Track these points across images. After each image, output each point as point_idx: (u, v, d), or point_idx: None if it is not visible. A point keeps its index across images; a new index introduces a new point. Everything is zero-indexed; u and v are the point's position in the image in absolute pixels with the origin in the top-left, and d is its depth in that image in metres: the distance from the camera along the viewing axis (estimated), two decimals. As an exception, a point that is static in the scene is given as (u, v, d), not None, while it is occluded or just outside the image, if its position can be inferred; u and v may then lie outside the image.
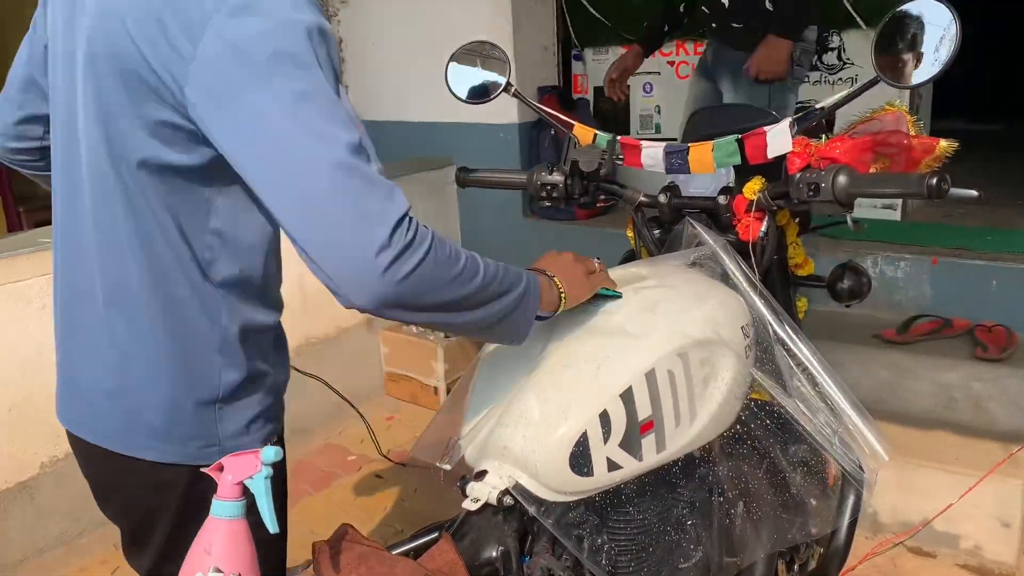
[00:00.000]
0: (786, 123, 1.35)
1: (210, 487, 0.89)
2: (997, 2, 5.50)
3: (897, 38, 1.22)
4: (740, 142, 1.41)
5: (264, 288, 1.11)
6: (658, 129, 3.81)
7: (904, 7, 1.21)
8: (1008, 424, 2.49)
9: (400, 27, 3.84)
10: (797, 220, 1.57)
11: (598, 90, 3.92)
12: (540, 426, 1.14)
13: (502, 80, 1.62)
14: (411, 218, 0.94)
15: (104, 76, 0.99)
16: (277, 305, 1.16)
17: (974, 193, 1.24)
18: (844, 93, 1.33)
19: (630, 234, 1.65)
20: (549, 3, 3.76)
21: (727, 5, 2.80)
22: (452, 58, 1.64)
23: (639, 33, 3.17)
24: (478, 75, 1.64)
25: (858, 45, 3.32)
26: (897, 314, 2.89)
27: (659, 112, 3.82)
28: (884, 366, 2.67)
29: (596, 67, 3.92)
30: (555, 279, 1.17)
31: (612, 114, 3.85)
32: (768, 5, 2.74)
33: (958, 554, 2.33)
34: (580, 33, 3.91)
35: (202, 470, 0.89)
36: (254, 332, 1.11)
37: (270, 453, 0.81)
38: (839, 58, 3.37)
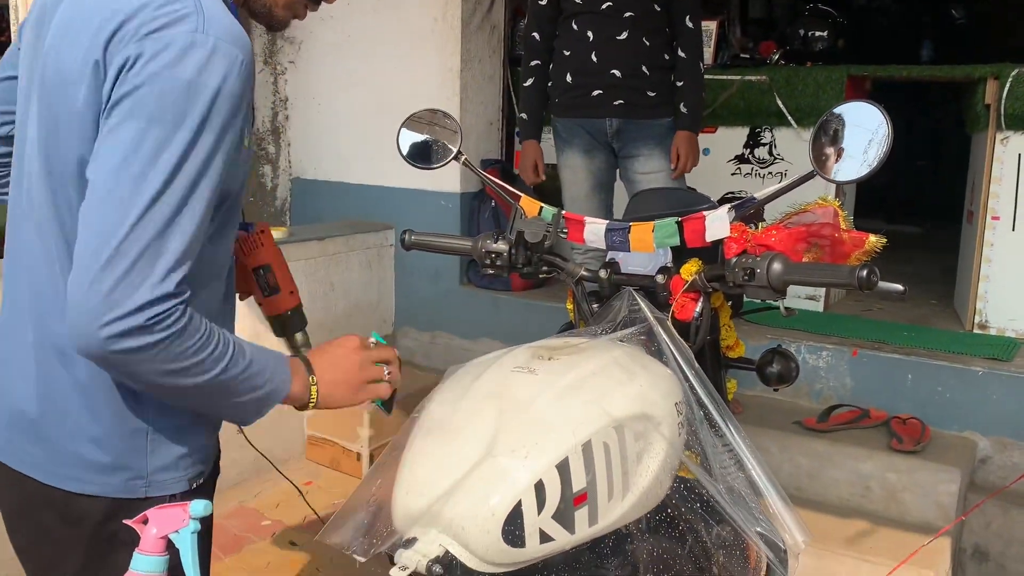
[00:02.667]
0: (724, 209, 1.40)
1: (122, 527, 0.86)
2: (915, 102, 5.85)
3: (832, 136, 1.28)
4: (679, 224, 1.45)
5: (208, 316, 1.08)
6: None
7: (840, 107, 1.28)
8: (920, 515, 2.56)
9: (347, 90, 3.89)
10: (730, 303, 1.62)
11: (538, 166, 4.00)
12: (475, 494, 1.12)
13: (453, 148, 1.65)
14: (169, 306, 0.94)
15: (49, 104, 1.02)
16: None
17: (900, 287, 1.30)
18: (780, 185, 1.39)
19: (569, 307, 1.67)
20: (496, 79, 3.85)
21: (647, 74, 2.88)
22: (405, 123, 1.67)
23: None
24: (429, 141, 1.67)
25: (788, 141, 3.49)
26: (818, 402, 2.98)
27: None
28: (804, 453, 2.73)
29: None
30: (313, 382, 1.17)
31: (553, 191, 3.92)
32: (683, 108, 2.86)
33: (871, 643, 2.36)
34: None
35: (125, 522, 0.86)
36: None
37: (199, 507, 0.79)
38: (770, 153, 3.52)
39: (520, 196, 1.63)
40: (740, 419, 1.58)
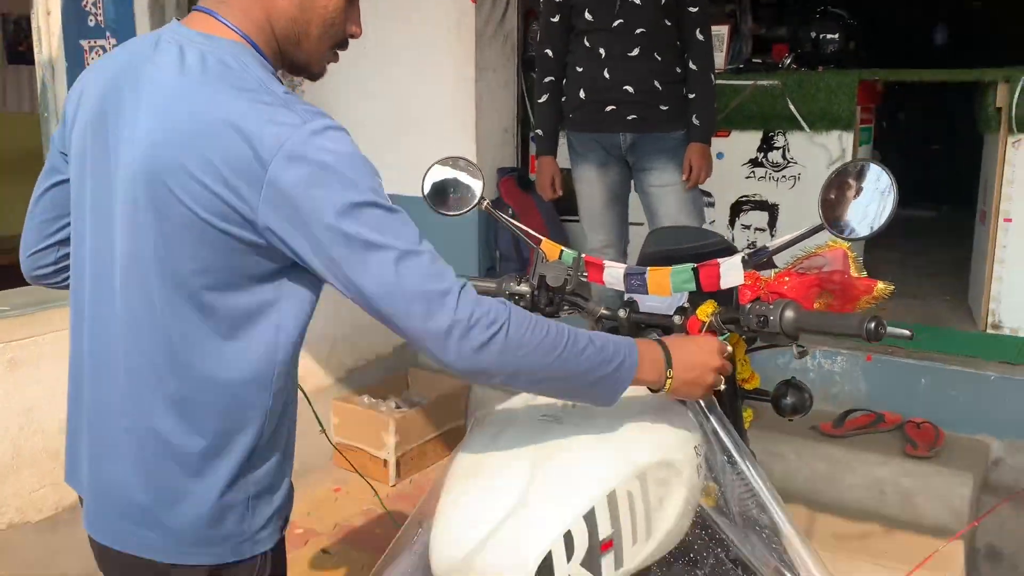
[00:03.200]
0: (738, 258, 1.46)
1: None
2: (931, 92, 5.83)
3: (841, 192, 1.34)
4: (695, 271, 1.51)
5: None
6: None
7: (848, 165, 1.34)
8: (933, 520, 2.62)
9: (363, 101, 3.95)
10: (744, 338, 1.68)
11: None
12: (508, 544, 1.20)
13: (476, 195, 1.71)
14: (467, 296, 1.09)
15: (153, 201, 1.10)
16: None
17: (907, 333, 1.36)
18: (791, 236, 1.44)
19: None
20: (511, 87, 3.91)
21: (660, 88, 2.92)
22: (429, 170, 1.73)
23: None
24: (452, 188, 1.73)
25: (802, 145, 3.53)
26: (834, 406, 3.04)
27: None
28: (821, 458, 2.80)
29: (553, 150, 4.06)
30: (669, 375, 1.29)
31: (568, 196, 3.98)
32: (695, 120, 2.91)
33: (887, 646, 2.43)
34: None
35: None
36: (287, 416, 1.23)
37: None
38: (783, 157, 3.56)
39: (541, 240, 1.69)
40: (758, 423, 1.66)
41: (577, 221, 3.90)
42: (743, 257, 1.47)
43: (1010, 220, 3.15)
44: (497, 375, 1.13)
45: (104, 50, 3.55)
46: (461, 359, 1.09)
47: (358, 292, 1.09)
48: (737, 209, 3.70)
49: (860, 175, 1.32)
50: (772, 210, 3.61)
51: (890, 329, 1.34)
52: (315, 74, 1.28)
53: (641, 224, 3.19)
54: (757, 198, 3.64)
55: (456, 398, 3.69)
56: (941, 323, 3.47)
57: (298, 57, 1.22)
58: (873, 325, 1.29)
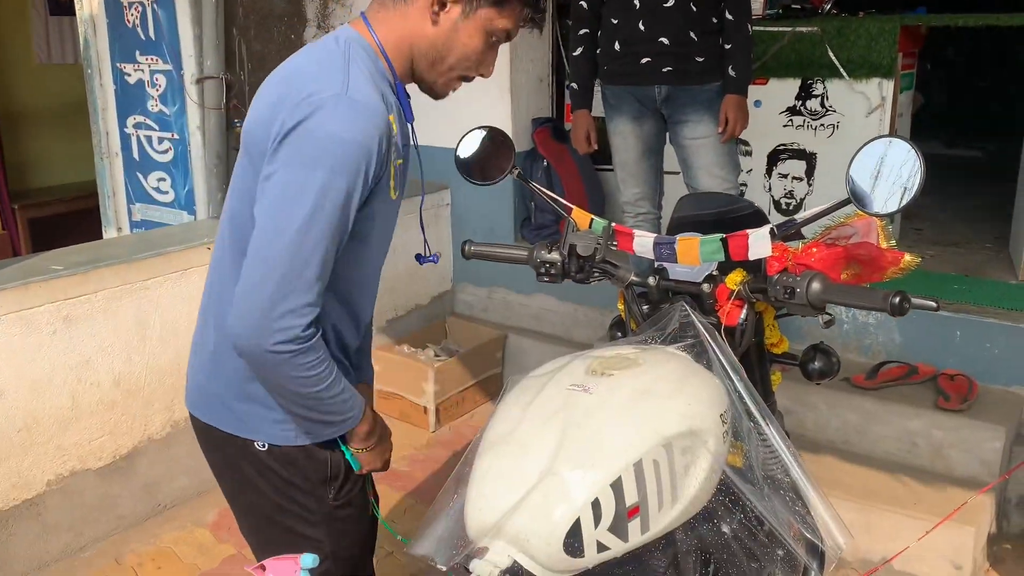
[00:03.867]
0: (766, 229, 1.48)
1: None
2: (977, 32, 5.65)
3: (868, 168, 1.35)
4: (724, 241, 1.54)
5: (351, 308, 1.44)
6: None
7: (875, 141, 1.34)
8: (964, 472, 2.65)
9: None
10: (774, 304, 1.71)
11: (590, 120, 4.04)
12: (538, 510, 1.26)
13: (507, 164, 1.74)
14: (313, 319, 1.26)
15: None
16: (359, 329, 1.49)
17: (933, 305, 1.38)
18: (819, 209, 1.46)
19: (620, 306, 1.78)
20: (545, 36, 3.88)
21: (695, 39, 2.89)
22: (462, 140, 1.76)
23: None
24: (484, 156, 1.76)
25: (840, 93, 3.47)
26: (867, 357, 3.05)
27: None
28: (853, 410, 2.83)
29: (589, 98, 4.03)
30: (372, 440, 1.48)
31: (603, 144, 3.97)
32: (731, 72, 2.88)
33: (914, 594, 2.50)
34: (574, 64, 4.02)
35: (245, 568, 1.03)
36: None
37: (308, 560, 0.94)
38: (822, 105, 3.51)
39: (571, 208, 1.72)
40: (789, 374, 1.70)
41: (610, 170, 3.90)
42: (771, 229, 1.49)
43: (1055, 167, 3.10)
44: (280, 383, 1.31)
45: (143, 6, 3.58)
46: (276, 352, 1.25)
47: None
48: (775, 158, 3.66)
49: (888, 150, 1.33)
50: (810, 159, 3.58)
51: (915, 301, 1.37)
52: (438, 95, 1.47)
53: (676, 173, 3.18)
54: (795, 147, 3.60)
55: (493, 347, 3.77)
56: (980, 273, 3.44)
57: (428, 76, 1.40)
58: (898, 300, 1.32)
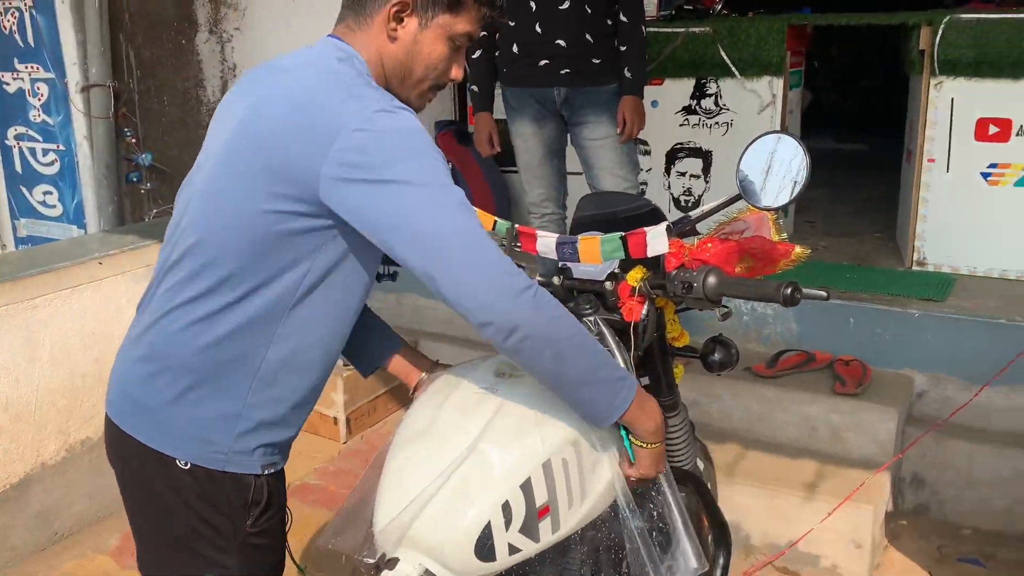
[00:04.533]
0: (663, 227, 1.51)
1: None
2: (860, 32, 5.91)
3: (757, 163, 1.39)
4: (624, 239, 1.56)
5: (327, 339, 1.37)
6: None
7: (762, 138, 1.38)
8: (861, 453, 2.76)
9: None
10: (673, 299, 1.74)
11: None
12: (448, 515, 1.26)
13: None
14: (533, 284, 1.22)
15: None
16: (326, 361, 1.40)
17: (823, 294, 1.43)
18: (711, 205, 1.49)
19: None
20: (445, 39, 3.86)
21: (591, 41, 2.93)
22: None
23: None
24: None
25: (733, 92, 3.57)
26: (766, 346, 3.15)
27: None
28: (755, 399, 2.92)
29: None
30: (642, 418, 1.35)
31: (507, 147, 3.99)
32: (627, 73, 2.93)
33: (819, 573, 2.58)
34: (475, 67, 4.03)
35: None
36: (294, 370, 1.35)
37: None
38: (716, 103, 3.61)
39: (474, 211, 1.72)
40: (694, 366, 1.73)
41: (515, 172, 3.93)
42: (667, 225, 1.52)
43: (933, 160, 3.26)
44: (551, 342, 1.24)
45: (20, 12, 3.43)
46: (535, 324, 1.21)
47: None
48: (672, 157, 3.75)
49: (776, 146, 1.37)
50: (706, 157, 3.67)
51: (806, 291, 1.41)
52: (416, 107, 1.41)
53: (579, 174, 3.22)
54: (691, 145, 3.69)
55: (410, 350, 3.72)
56: (871, 262, 3.59)
57: (401, 93, 1.37)
58: (789, 291, 1.36)
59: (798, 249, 1.51)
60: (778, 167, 1.38)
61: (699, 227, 1.57)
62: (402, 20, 1.33)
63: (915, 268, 3.39)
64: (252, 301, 1.28)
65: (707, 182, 3.69)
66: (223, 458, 1.33)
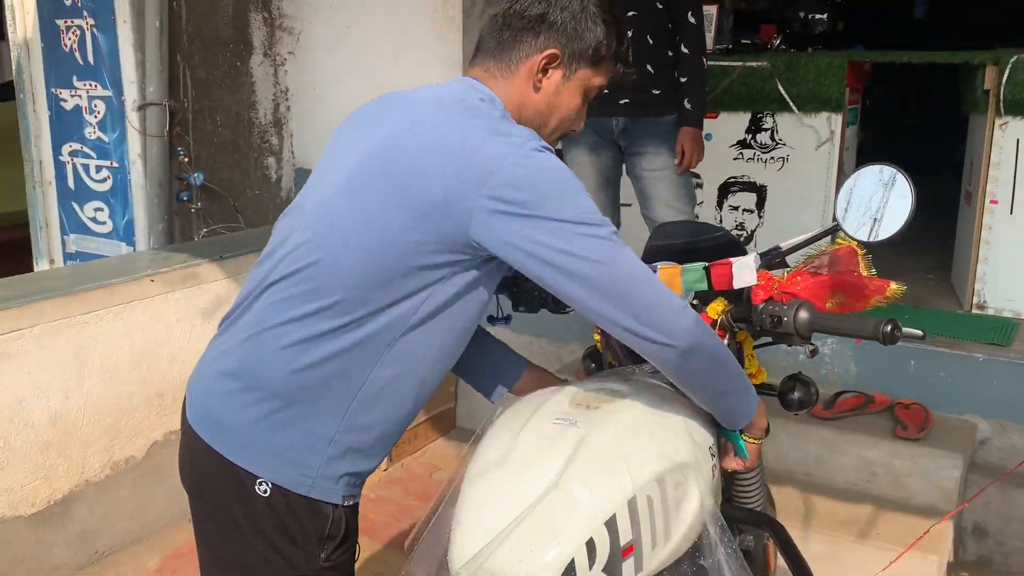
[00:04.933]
0: (751, 258, 1.46)
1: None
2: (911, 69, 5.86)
3: (857, 195, 1.34)
4: (707, 270, 1.51)
5: (428, 370, 1.35)
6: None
7: (864, 170, 1.34)
8: (923, 500, 2.67)
9: (347, 81, 3.89)
10: (751, 333, 1.68)
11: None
12: (530, 551, 1.20)
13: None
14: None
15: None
16: (420, 394, 1.38)
17: (920, 333, 1.38)
18: (804, 237, 1.45)
19: (597, 336, 1.73)
20: (497, 67, 3.86)
21: (652, 72, 2.91)
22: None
23: None
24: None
25: (790, 126, 3.53)
26: (824, 387, 3.07)
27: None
28: (813, 440, 2.84)
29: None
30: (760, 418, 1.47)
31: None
32: (687, 104, 2.90)
33: (880, 624, 2.48)
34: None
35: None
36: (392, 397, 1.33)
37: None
38: (772, 138, 3.57)
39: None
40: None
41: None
42: (756, 256, 1.47)
43: (996, 202, 3.19)
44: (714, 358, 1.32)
45: (81, 30, 3.46)
46: (700, 341, 1.27)
47: None
48: (725, 190, 3.70)
49: (878, 179, 1.33)
50: (760, 191, 3.62)
51: (906, 330, 1.36)
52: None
53: (630, 205, 3.18)
54: (745, 179, 3.65)
55: (446, 381, 3.67)
56: (925, 303, 3.51)
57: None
58: (889, 328, 1.30)
59: (893, 285, 1.45)
60: (879, 199, 1.33)
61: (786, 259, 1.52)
62: (547, 72, 1.36)
63: (975, 311, 3.31)
64: (365, 325, 1.26)
65: (760, 217, 3.64)
66: (309, 482, 1.30)
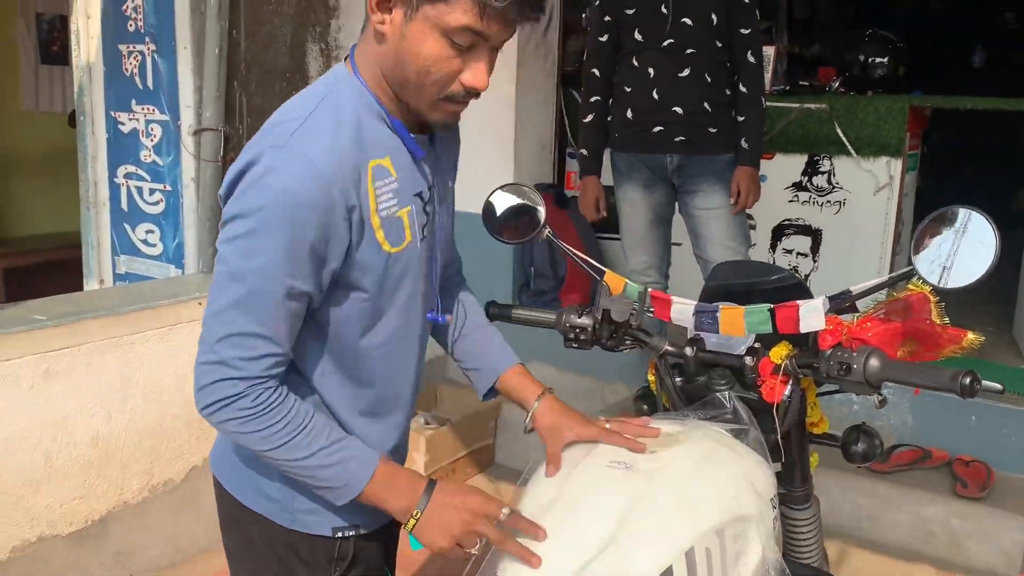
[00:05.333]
0: (819, 301, 1.40)
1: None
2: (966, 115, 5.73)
3: (936, 238, 1.28)
4: (772, 312, 1.45)
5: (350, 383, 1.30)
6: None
7: (944, 212, 1.27)
8: (983, 563, 2.55)
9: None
10: (815, 380, 1.61)
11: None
12: (582, 604, 1.14)
13: (539, 222, 1.66)
14: (225, 378, 1.14)
15: None
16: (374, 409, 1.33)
17: (999, 388, 1.30)
18: (877, 281, 1.39)
19: (651, 377, 1.68)
20: (550, 103, 3.86)
21: (709, 110, 2.86)
22: (491, 195, 1.68)
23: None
24: (515, 214, 1.68)
25: (848, 170, 3.46)
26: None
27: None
28: (865, 494, 2.73)
29: (591, 166, 4.00)
30: (416, 515, 1.23)
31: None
32: (744, 144, 2.85)
33: None
34: (577, 132, 3.99)
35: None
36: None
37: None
38: (828, 182, 3.49)
39: (604, 272, 1.63)
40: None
41: (613, 239, 3.84)
42: (825, 299, 1.41)
43: (1063, 252, 3.08)
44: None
45: (143, 55, 3.52)
46: (200, 412, 1.18)
47: None
48: (779, 233, 3.63)
49: (958, 222, 1.26)
50: (815, 235, 3.55)
51: (984, 383, 1.28)
52: (435, 122, 1.24)
53: (680, 244, 3.13)
54: (800, 223, 3.57)
55: (485, 416, 3.63)
56: (986, 356, 3.39)
57: (411, 103, 1.20)
58: (968, 381, 1.23)
59: (971, 335, 1.38)
60: (959, 243, 1.27)
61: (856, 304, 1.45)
62: (390, 11, 1.13)
63: (1038, 365, 3.19)
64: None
65: (815, 261, 3.56)
66: (289, 517, 1.30)
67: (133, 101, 3.60)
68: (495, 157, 3.63)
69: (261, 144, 1.15)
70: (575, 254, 1.69)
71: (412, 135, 1.25)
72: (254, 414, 1.15)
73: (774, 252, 3.64)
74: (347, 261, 1.19)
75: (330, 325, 1.25)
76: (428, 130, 1.28)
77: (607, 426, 1.36)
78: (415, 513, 1.23)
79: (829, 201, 3.49)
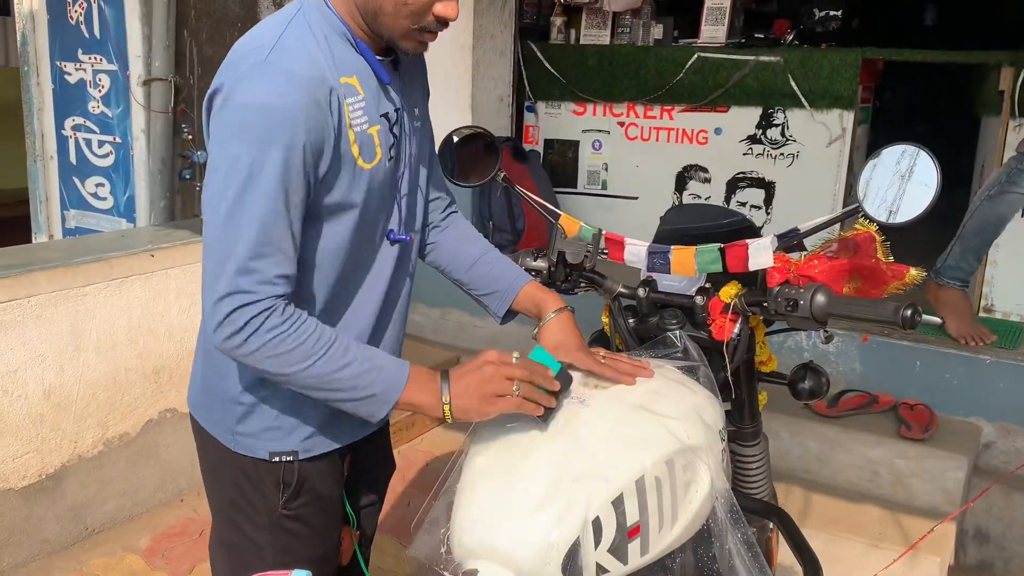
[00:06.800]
0: (768, 240, 1.43)
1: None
2: (918, 70, 5.81)
3: (880, 176, 1.31)
4: (722, 251, 1.48)
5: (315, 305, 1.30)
6: (604, 186, 3.90)
7: (887, 149, 1.30)
8: (927, 500, 2.64)
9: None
10: (763, 320, 1.65)
11: (548, 142, 4.01)
12: (533, 529, 1.17)
13: (493, 167, 1.66)
14: (245, 304, 1.14)
15: None
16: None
17: (939, 321, 1.35)
18: (825, 218, 1.42)
19: (605, 319, 1.70)
20: (507, 55, 3.83)
21: None
22: (444, 139, 1.67)
23: (592, 90, 3.05)
24: (469, 158, 1.68)
25: (802, 123, 3.49)
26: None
27: (606, 169, 3.91)
28: (814, 438, 2.80)
29: (548, 120, 3.99)
30: (446, 400, 1.25)
31: (561, 167, 3.93)
32: None
33: (879, 625, 2.45)
34: (534, 86, 3.98)
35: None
36: None
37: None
38: (782, 134, 3.53)
39: (560, 215, 1.65)
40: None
41: (571, 193, 3.86)
42: (772, 238, 1.44)
43: (1007, 204, 3.15)
44: (259, 371, 1.20)
45: (88, 3, 3.42)
46: (223, 348, 1.17)
47: None
48: (733, 186, 3.67)
49: (901, 160, 1.29)
50: (769, 188, 3.59)
51: (924, 317, 1.32)
52: (405, 50, 1.26)
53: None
54: (754, 175, 3.61)
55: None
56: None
57: (381, 32, 1.23)
58: (909, 312, 1.27)
59: (913, 271, 1.42)
60: (902, 181, 1.30)
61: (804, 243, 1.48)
62: None
63: (982, 315, 3.28)
64: None
65: (768, 213, 3.60)
66: (232, 439, 1.35)
67: (79, 51, 3.51)
68: (452, 110, 3.60)
69: (238, 69, 1.15)
70: (530, 197, 1.70)
71: (378, 59, 1.27)
72: (285, 331, 1.15)
73: (728, 205, 3.68)
74: (328, 172, 1.20)
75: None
76: (392, 55, 1.31)
77: (602, 361, 1.37)
78: (445, 401, 1.25)
79: (783, 154, 3.53)
